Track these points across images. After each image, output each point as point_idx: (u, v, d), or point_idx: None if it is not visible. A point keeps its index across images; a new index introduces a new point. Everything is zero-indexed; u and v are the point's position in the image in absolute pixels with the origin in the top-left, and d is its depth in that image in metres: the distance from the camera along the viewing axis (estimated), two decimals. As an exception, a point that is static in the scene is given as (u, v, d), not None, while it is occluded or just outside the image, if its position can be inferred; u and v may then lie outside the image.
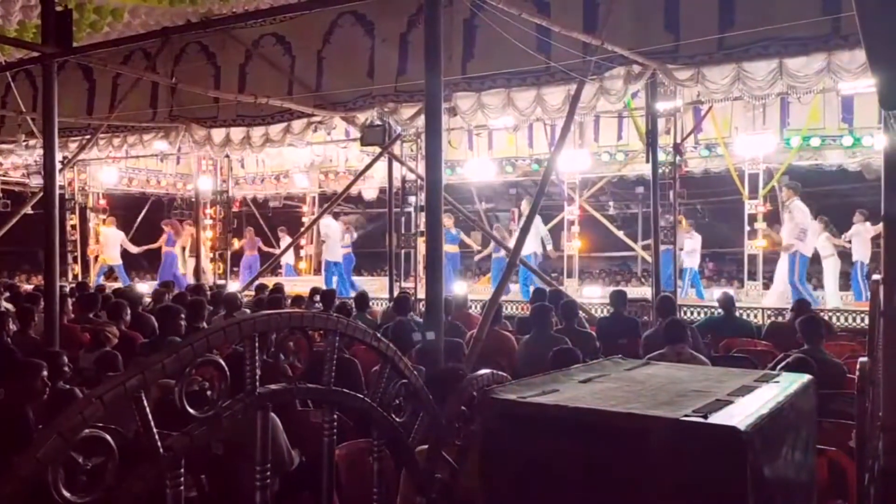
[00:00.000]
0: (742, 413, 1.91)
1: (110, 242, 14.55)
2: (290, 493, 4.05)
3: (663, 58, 7.90)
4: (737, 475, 1.76)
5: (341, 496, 3.42)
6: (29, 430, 3.62)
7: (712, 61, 7.73)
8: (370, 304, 8.84)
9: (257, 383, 1.63)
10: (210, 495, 3.71)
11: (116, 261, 14.69)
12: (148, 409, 1.40)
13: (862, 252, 10.89)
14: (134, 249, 15.01)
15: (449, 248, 13.79)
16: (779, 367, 4.59)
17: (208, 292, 9.18)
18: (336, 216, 14.22)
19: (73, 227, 14.51)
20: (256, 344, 1.62)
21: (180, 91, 10.89)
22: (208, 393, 1.57)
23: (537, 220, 12.17)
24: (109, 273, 14.70)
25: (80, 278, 14.09)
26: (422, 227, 10.35)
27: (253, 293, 9.61)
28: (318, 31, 10.05)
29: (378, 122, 9.66)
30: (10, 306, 8.11)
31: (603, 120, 12.35)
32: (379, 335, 2.00)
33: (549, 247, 12.66)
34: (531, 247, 12.40)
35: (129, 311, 7.12)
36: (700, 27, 7.75)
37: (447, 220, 13.50)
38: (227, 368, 1.55)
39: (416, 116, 9.41)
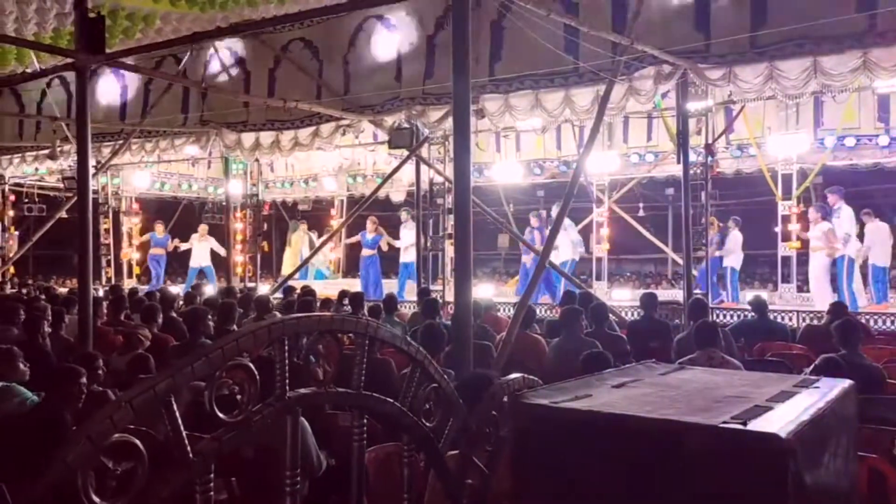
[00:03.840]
0: (782, 419, 1.86)
1: (201, 246, 14.80)
2: (319, 497, 4.05)
3: (694, 57, 7.81)
4: (778, 484, 1.71)
5: (370, 500, 3.40)
6: (66, 433, 3.66)
7: (744, 60, 7.62)
8: (398, 306, 8.83)
9: (287, 387, 1.61)
10: (240, 498, 3.72)
11: (207, 262, 14.86)
12: (178, 414, 1.40)
13: (878, 252, 10.26)
14: (224, 252, 15.18)
15: (367, 252, 13.86)
16: (808, 370, 4.49)
17: (238, 295, 9.23)
18: (365, 220, 14.24)
19: (107, 230, 14.72)
20: (286, 347, 1.61)
21: (211, 96, 11.03)
22: (238, 397, 1.55)
23: (570, 226, 12.12)
24: (200, 275, 14.85)
25: (113, 281, 14.29)
26: (450, 230, 10.33)
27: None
28: (345, 35, 10.11)
29: (406, 125, 9.67)
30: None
31: (632, 121, 12.23)
32: (409, 339, 1.98)
33: (581, 249, 12.57)
34: (567, 253, 12.37)
35: (161, 314, 7.20)
36: (731, 26, 7.66)
37: (370, 225, 13.62)
38: (256, 372, 1.54)
39: (443, 119, 9.41)
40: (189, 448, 1.42)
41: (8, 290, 13.67)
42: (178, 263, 17.76)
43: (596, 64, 7.91)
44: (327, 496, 4.05)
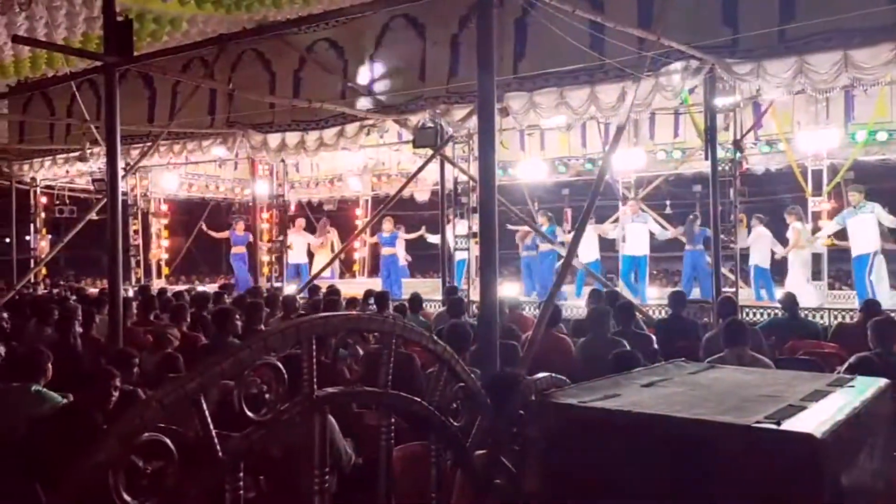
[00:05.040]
0: (817, 419, 1.82)
1: (298, 244, 14.66)
2: (346, 494, 4.05)
3: (722, 52, 7.71)
4: (813, 484, 1.68)
5: (397, 498, 3.40)
6: (96, 433, 3.71)
7: (773, 54, 7.51)
8: (423, 305, 8.83)
9: (315, 386, 1.61)
10: (268, 496, 3.75)
11: (303, 259, 14.85)
12: (207, 412, 1.40)
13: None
14: (318, 244, 15.13)
15: (387, 251, 13.83)
16: (841, 369, 4.41)
17: (264, 294, 9.29)
18: (393, 219, 14.29)
19: (136, 231, 14.89)
20: (314, 346, 1.61)
21: (237, 97, 11.13)
22: (266, 396, 1.55)
23: (648, 219, 12.07)
24: (297, 272, 14.61)
25: (142, 281, 14.46)
26: (474, 229, 10.30)
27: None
28: (370, 35, 10.13)
29: (430, 124, 9.66)
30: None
31: (658, 117, 12.09)
32: (435, 337, 1.97)
33: (666, 235, 12.36)
34: (592, 254, 12.30)
35: (189, 314, 7.27)
36: (759, 20, 7.55)
37: (386, 224, 13.63)
38: (284, 371, 1.54)
39: (467, 117, 9.38)
40: (219, 447, 1.42)
41: (40, 290, 13.93)
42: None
43: (622, 60, 7.85)
44: (356, 493, 4.05)
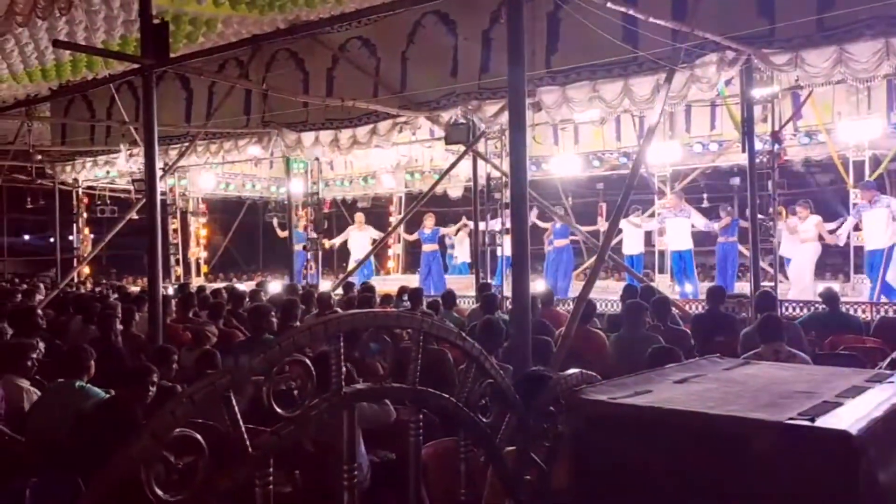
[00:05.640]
0: (853, 416, 1.78)
1: (361, 237, 14.46)
2: (379, 489, 4.09)
3: (758, 42, 7.57)
4: (848, 483, 1.64)
5: (429, 494, 3.42)
6: (136, 428, 3.79)
7: (811, 44, 7.34)
8: (457, 301, 8.84)
9: (343, 383, 1.63)
10: (303, 491, 3.80)
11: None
12: (237, 409, 1.42)
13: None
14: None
15: (428, 248, 13.68)
16: (884, 364, 4.32)
17: (300, 292, 9.39)
18: (422, 216, 14.28)
19: (175, 230, 15.15)
20: (342, 343, 1.62)
21: (271, 97, 11.25)
22: (295, 392, 1.58)
23: (693, 213, 12.00)
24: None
25: (182, 279, 14.71)
26: (507, 225, 10.27)
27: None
28: (401, 32, 10.15)
29: (462, 121, 9.66)
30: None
31: (694, 109, 11.93)
32: (464, 334, 1.98)
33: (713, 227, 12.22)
34: (636, 247, 12.22)
35: (225, 311, 7.38)
36: (796, 9, 7.38)
37: (428, 221, 13.48)
38: (313, 368, 1.56)
39: (499, 113, 9.36)
40: (248, 442, 1.45)
41: (83, 289, 14.26)
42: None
43: (656, 52, 7.75)
44: (389, 489, 4.09)
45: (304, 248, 13.10)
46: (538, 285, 9.82)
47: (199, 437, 1.36)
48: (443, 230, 14.73)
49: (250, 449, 1.45)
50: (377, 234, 14.23)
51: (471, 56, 9.54)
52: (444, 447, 3.45)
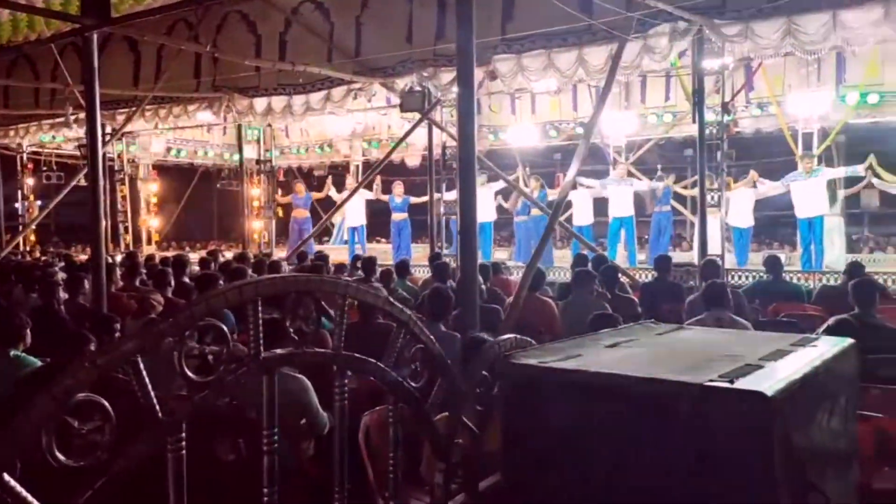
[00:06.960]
0: (771, 378, 1.82)
1: (356, 204, 13.96)
2: (324, 457, 4.08)
3: (710, 13, 7.61)
4: (763, 443, 1.68)
5: (372, 460, 3.43)
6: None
7: (761, 15, 7.41)
8: (411, 270, 8.83)
9: (261, 348, 1.60)
10: (248, 458, 3.77)
11: (362, 221, 14.33)
12: (145, 374, 1.39)
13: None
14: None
15: (397, 216, 13.67)
16: (820, 330, 4.44)
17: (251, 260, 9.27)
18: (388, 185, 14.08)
19: (124, 197, 14.78)
20: (260, 307, 1.59)
21: (222, 61, 10.96)
22: (209, 358, 1.54)
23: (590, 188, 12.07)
24: (356, 236, 14.17)
25: (131, 248, 14.41)
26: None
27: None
28: (357, -5, 9.95)
29: (417, 88, 9.55)
30: (63, 275, 8.34)
31: (650, 80, 11.99)
32: (391, 299, 1.96)
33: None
34: (587, 218, 12.27)
35: (173, 279, 7.26)
36: (748, -20, 7.43)
37: (396, 188, 13.43)
38: (228, 333, 1.52)
39: (454, 81, 9.24)
40: (158, 408, 1.41)
41: (29, 258, 13.88)
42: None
43: (609, 21, 7.74)
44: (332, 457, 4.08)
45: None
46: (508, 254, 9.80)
47: (104, 401, 1.32)
48: (413, 199, 14.52)
49: (160, 414, 1.41)
50: (372, 196, 13.96)
51: (426, 22, 9.40)
52: (385, 414, 3.44)
